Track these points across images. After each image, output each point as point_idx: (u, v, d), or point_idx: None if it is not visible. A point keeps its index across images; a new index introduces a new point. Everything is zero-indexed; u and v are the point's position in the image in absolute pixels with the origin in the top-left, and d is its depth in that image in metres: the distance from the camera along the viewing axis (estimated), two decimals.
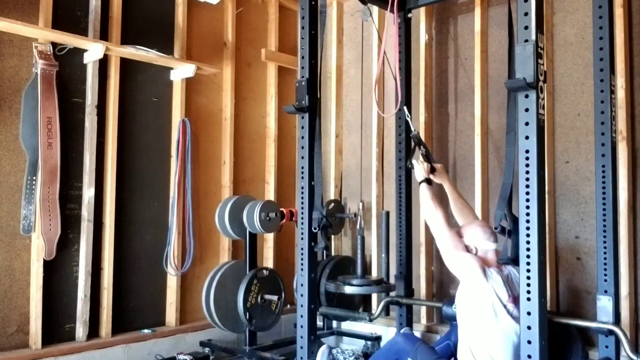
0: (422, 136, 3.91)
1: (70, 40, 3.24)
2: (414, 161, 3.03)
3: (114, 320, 3.45)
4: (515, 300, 2.52)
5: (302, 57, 2.93)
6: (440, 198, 2.94)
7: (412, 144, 3.20)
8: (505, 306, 2.49)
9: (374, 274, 4.10)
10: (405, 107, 3.36)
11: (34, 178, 3.15)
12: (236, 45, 4.22)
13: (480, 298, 2.52)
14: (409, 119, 3.17)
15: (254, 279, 3.53)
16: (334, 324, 4.17)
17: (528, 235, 2.20)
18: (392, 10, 3.14)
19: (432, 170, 3.05)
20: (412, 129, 3.19)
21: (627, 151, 3.12)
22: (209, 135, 4.06)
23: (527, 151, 2.21)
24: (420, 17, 3.95)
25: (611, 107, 2.79)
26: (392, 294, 3.61)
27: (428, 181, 2.91)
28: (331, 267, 3.90)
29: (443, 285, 3.85)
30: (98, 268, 3.41)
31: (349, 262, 4.12)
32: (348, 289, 3.35)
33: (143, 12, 3.73)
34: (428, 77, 3.97)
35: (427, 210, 2.82)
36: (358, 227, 3.63)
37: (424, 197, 2.84)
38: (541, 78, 2.23)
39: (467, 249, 2.70)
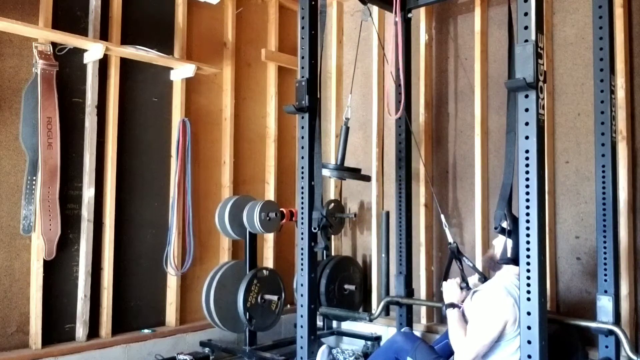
0: (422, 136, 3.91)
1: (70, 40, 3.24)
2: (444, 283, 2.72)
3: (114, 320, 3.45)
4: None
5: (302, 57, 2.92)
6: None
7: (449, 258, 2.84)
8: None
9: (374, 274, 4.11)
10: (443, 217, 3.09)
11: (34, 178, 3.15)
12: (236, 45, 4.22)
13: (500, 315, 2.44)
14: (446, 229, 2.96)
15: (254, 279, 3.52)
16: (334, 324, 4.17)
17: (528, 235, 2.20)
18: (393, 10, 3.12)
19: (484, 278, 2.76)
20: (450, 240, 2.85)
21: (627, 151, 3.12)
22: (209, 135, 4.06)
23: (527, 151, 2.21)
24: (420, 17, 3.96)
25: (611, 107, 2.79)
26: (392, 293, 3.62)
27: (455, 305, 2.60)
28: (331, 267, 3.91)
29: None
30: (98, 268, 3.41)
31: (349, 262, 4.12)
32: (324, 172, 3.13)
33: (143, 12, 3.73)
34: (428, 77, 3.97)
35: (454, 340, 2.53)
36: (344, 115, 3.33)
37: (450, 323, 2.56)
38: (541, 78, 2.22)
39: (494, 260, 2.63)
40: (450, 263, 2.85)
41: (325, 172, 3.13)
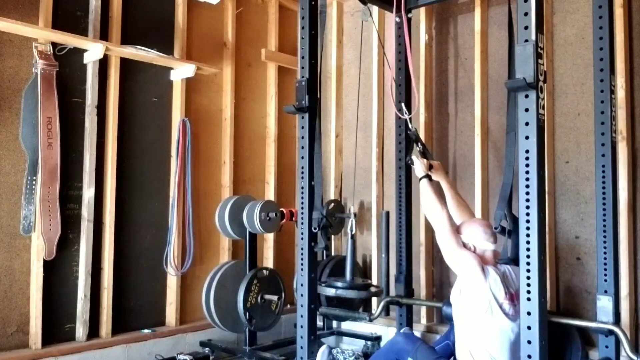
0: (422, 136, 3.92)
1: (70, 40, 3.24)
2: (413, 157, 3.01)
3: (114, 320, 3.45)
4: (512, 297, 2.53)
5: (302, 57, 2.93)
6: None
7: (410, 141, 3.22)
8: (501, 305, 2.49)
9: (374, 274, 4.10)
10: (403, 104, 3.38)
11: (34, 178, 3.15)
12: (236, 45, 4.22)
13: (477, 296, 2.52)
14: (407, 117, 3.22)
15: (254, 279, 3.53)
16: (334, 324, 4.17)
17: (528, 235, 2.20)
18: (398, 11, 3.16)
19: (430, 167, 3.05)
20: (410, 126, 3.19)
21: (627, 151, 3.12)
22: (209, 135, 4.06)
23: (527, 151, 2.21)
24: (420, 17, 3.96)
25: (611, 107, 2.79)
26: (392, 294, 3.62)
27: (429, 177, 2.88)
28: (331, 267, 3.90)
29: (443, 286, 3.85)
30: (98, 268, 3.41)
31: None
32: (330, 291, 3.18)
33: (143, 12, 3.72)
34: (428, 77, 3.97)
35: (429, 206, 2.79)
36: (349, 228, 3.43)
37: (425, 193, 2.81)
38: (541, 78, 2.23)
39: (465, 247, 2.69)
40: (412, 146, 3.26)
41: (331, 291, 3.18)
